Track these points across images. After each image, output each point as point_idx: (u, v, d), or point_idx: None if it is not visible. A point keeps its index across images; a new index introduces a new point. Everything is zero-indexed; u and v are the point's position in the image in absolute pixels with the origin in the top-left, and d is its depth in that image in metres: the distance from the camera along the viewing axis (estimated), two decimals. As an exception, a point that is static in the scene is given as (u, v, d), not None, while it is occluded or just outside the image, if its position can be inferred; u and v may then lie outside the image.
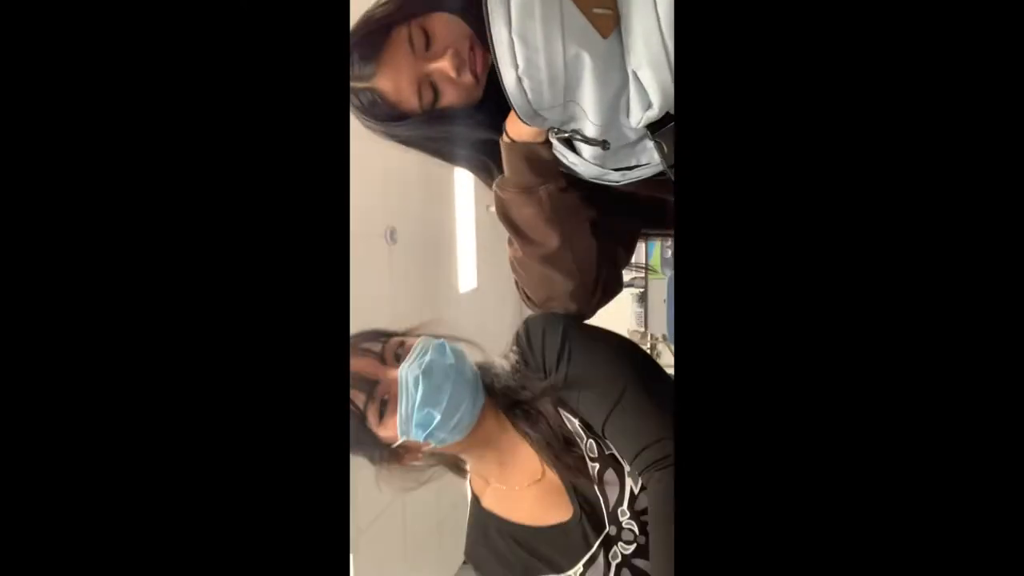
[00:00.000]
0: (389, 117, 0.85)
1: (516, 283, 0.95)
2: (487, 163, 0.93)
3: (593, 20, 0.72)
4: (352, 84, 0.84)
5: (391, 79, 0.81)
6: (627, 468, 0.86)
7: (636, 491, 0.86)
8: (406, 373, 0.85)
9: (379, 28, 0.82)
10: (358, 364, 0.87)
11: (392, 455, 0.89)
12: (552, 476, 0.91)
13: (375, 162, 2.39)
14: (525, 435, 0.91)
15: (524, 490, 0.93)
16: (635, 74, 0.70)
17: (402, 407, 0.85)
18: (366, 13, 0.86)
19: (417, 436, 0.85)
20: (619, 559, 0.89)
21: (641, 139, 0.75)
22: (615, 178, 0.82)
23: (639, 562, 0.88)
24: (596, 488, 0.88)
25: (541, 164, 0.82)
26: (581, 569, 0.90)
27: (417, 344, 0.87)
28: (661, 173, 0.76)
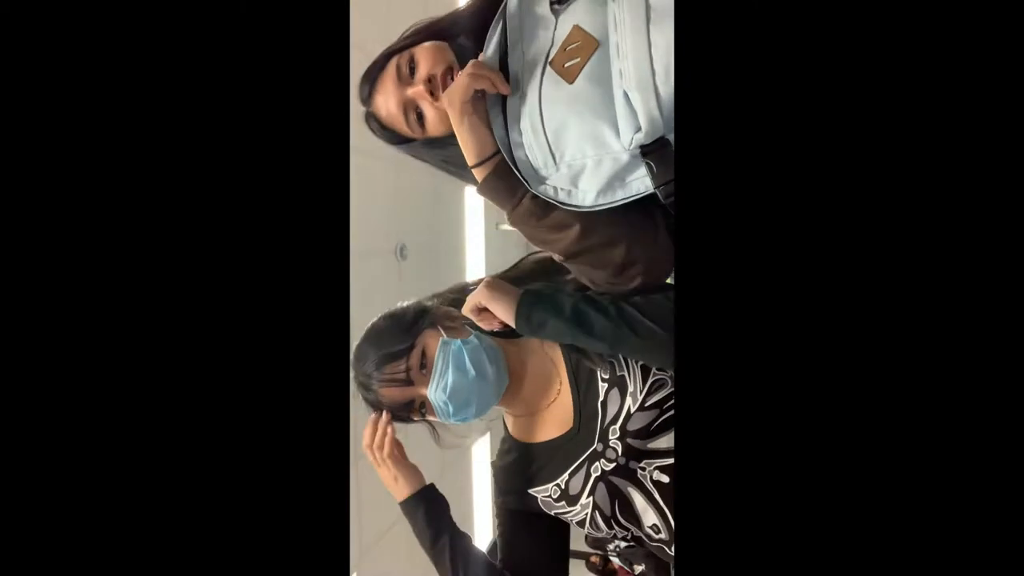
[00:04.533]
0: (392, 139, 0.97)
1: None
2: None
3: (563, 73, 0.75)
4: (363, 107, 0.96)
5: (382, 103, 0.93)
6: (631, 388, 0.92)
7: (632, 410, 0.92)
8: (434, 397, 0.94)
9: (383, 57, 0.94)
10: (388, 393, 0.97)
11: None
12: (566, 394, 1.00)
13: (386, 179, 2.41)
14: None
15: (542, 412, 1.03)
16: (626, 95, 0.71)
17: (438, 416, 0.97)
18: (391, 46, 0.99)
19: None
20: (599, 473, 0.96)
21: (632, 161, 0.74)
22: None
23: (615, 479, 0.95)
24: (599, 404, 0.96)
25: (552, 223, 0.85)
26: (567, 477, 0.98)
27: (437, 357, 0.94)
28: (653, 195, 0.77)
